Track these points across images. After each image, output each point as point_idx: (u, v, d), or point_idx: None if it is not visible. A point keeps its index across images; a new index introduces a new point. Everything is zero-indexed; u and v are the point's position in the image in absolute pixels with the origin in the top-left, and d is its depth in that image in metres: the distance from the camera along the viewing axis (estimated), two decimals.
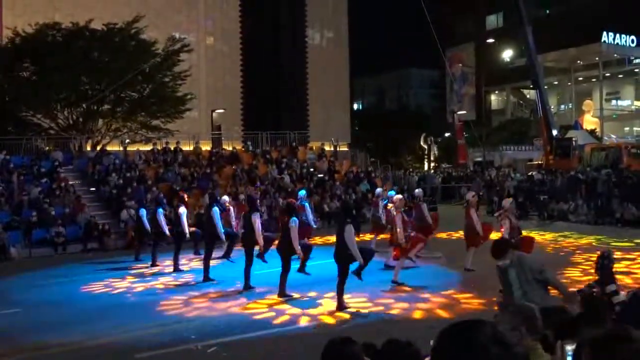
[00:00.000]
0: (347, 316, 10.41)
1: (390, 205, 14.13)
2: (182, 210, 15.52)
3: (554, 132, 35.82)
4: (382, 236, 15.97)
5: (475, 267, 13.33)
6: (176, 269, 15.37)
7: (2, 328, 10.47)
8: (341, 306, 10.75)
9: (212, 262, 14.40)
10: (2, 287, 14.53)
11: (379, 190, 18.50)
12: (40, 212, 20.91)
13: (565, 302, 5.84)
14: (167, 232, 16.19)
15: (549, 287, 6.46)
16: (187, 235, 15.69)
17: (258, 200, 16.13)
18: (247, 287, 12.57)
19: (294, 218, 11.75)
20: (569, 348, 2.83)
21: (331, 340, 3.02)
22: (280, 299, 11.68)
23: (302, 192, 16.78)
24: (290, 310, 11.01)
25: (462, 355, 1.56)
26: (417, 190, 17.07)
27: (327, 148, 32.55)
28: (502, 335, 1.57)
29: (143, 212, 17.48)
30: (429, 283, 12.81)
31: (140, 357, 8.61)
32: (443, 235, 19.45)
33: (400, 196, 13.61)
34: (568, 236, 20.12)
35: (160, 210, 16.68)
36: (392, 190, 18.89)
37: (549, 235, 20.34)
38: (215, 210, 14.45)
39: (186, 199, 16.76)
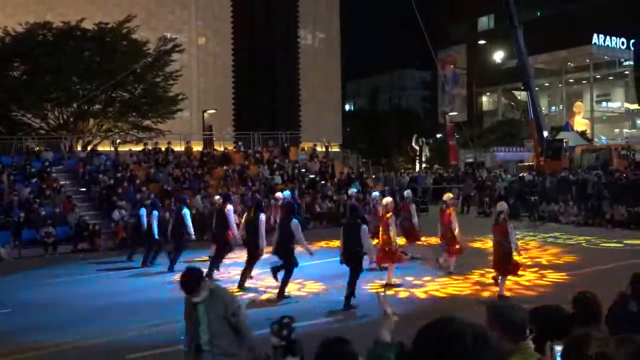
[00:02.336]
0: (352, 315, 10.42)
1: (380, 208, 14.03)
2: (186, 211, 15.75)
3: (545, 134, 36.01)
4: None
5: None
6: (171, 269, 15.35)
7: None
8: (349, 306, 10.83)
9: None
10: None
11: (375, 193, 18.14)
12: (30, 212, 20.81)
13: None
14: (160, 234, 16.37)
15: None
16: (193, 237, 16.02)
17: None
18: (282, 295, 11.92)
19: (295, 219, 11.86)
20: (558, 349, 2.84)
21: (324, 341, 3.02)
22: (279, 300, 11.67)
23: (287, 193, 16.62)
24: (284, 310, 10.99)
25: (440, 352, 1.56)
26: (406, 192, 17.42)
27: (318, 149, 32.56)
28: (479, 329, 1.57)
29: (143, 211, 17.38)
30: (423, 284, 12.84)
31: (131, 358, 8.59)
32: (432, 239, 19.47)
33: (390, 199, 13.58)
34: (558, 237, 20.21)
35: (156, 212, 16.81)
36: (375, 191, 18.84)
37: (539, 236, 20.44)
38: (186, 212, 15.37)
39: (188, 200, 16.90)
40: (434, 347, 1.57)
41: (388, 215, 12.62)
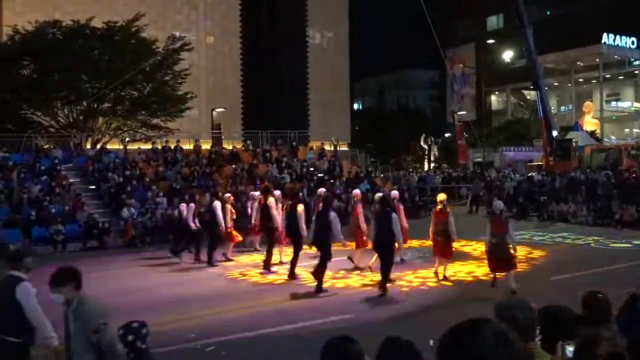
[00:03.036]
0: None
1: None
2: (217, 203, 16.15)
3: (554, 133, 35.84)
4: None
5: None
6: (212, 264, 15.74)
7: None
8: (384, 290, 11.59)
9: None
10: None
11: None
12: (40, 210, 20.91)
13: None
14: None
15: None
16: (223, 228, 16.16)
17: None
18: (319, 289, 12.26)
19: (332, 212, 12.58)
20: (570, 349, 2.83)
21: (330, 339, 3.01)
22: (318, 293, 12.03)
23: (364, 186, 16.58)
24: (292, 308, 11.02)
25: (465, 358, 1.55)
26: (393, 192, 16.39)
27: (327, 148, 32.55)
28: (504, 333, 1.57)
29: (183, 207, 17.41)
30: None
31: None
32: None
33: (357, 191, 15.02)
34: (566, 237, 20.13)
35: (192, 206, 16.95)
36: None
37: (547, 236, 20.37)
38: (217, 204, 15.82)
39: (220, 195, 17.32)
40: (458, 354, 1.57)
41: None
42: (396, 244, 12.02)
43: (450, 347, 1.57)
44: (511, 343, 1.56)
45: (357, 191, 16.35)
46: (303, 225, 13.46)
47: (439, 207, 13.15)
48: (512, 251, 11.84)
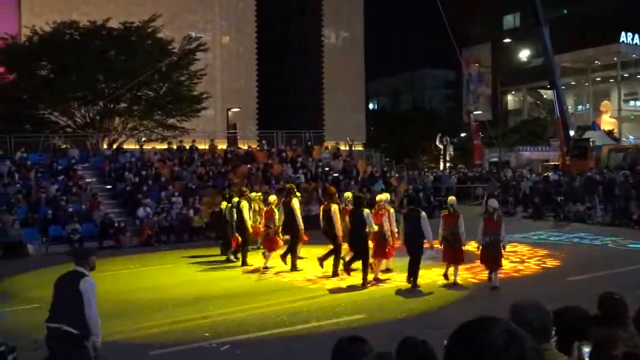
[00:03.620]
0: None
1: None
2: (245, 204, 16.15)
3: (571, 133, 35.57)
4: None
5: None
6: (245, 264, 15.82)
7: (22, 323, 10.57)
8: (415, 285, 12.28)
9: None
10: (21, 284, 14.69)
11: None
12: (56, 209, 21.09)
13: None
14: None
15: None
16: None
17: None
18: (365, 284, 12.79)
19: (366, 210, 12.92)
20: (586, 350, 2.80)
21: (341, 339, 3.01)
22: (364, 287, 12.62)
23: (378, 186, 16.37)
24: (305, 308, 11.03)
25: (476, 358, 1.53)
26: (380, 196, 15.33)
27: (342, 147, 32.53)
28: (515, 332, 1.54)
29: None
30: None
31: (154, 355, 8.65)
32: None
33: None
34: (583, 237, 19.96)
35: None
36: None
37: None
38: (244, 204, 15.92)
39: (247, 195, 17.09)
40: (468, 353, 1.54)
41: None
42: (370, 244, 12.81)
43: (458, 346, 1.55)
44: (521, 342, 1.53)
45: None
46: (339, 226, 13.51)
47: (448, 209, 12.91)
48: (502, 250, 12.29)
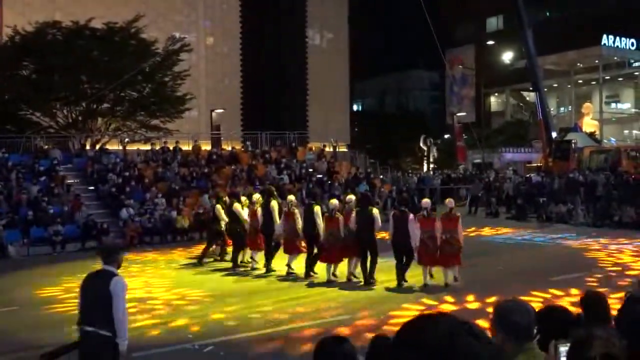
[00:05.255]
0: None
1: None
2: (237, 206, 15.85)
3: (554, 135, 35.88)
4: None
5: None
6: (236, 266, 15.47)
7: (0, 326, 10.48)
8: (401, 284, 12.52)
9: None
10: (0, 286, 14.53)
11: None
12: (38, 211, 20.91)
13: None
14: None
15: None
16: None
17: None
18: (369, 281, 12.93)
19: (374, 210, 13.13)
20: (562, 349, 2.83)
21: (323, 339, 3.02)
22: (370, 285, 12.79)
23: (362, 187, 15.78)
24: (290, 309, 11.02)
25: (427, 347, 1.48)
26: (348, 197, 14.63)
27: (326, 149, 32.55)
28: (469, 326, 1.51)
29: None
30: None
31: (138, 356, 8.60)
32: None
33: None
34: (566, 238, 20.13)
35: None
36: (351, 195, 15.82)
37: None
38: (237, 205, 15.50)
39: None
40: (418, 343, 1.51)
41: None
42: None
43: (401, 344, 1.52)
44: (480, 335, 1.51)
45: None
46: (322, 225, 13.50)
47: (422, 213, 12.71)
48: (460, 246, 12.57)
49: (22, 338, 9.64)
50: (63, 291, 13.37)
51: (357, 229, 12.88)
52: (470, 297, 11.56)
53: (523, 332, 2.94)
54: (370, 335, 5.26)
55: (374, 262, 12.87)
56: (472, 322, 1.54)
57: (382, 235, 13.69)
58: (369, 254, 12.86)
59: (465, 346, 1.46)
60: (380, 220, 12.98)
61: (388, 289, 12.54)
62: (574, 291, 11.23)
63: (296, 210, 14.10)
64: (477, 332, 1.51)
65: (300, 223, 13.82)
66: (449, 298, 11.64)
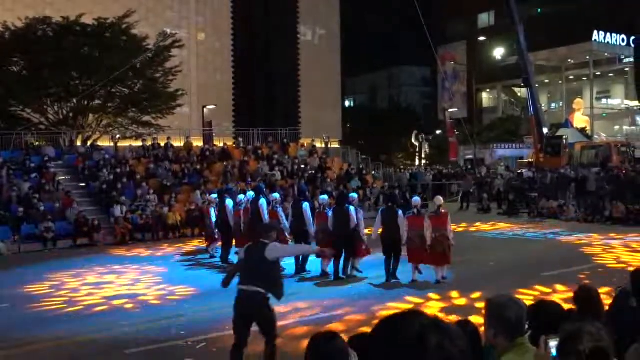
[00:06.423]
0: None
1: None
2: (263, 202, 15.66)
3: (545, 130, 35.94)
4: None
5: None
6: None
7: None
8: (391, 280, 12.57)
9: None
10: None
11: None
12: (29, 208, 20.81)
13: None
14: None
15: None
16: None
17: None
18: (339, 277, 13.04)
19: (351, 205, 13.23)
20: (552, 344, 2.85)
21: (315, 335, 3.03)
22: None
23: (276, 195, 15.35)
24: (279, 306, 11.00)
25: (400, 345, 1.49)
26: (321, 197, 14.63)
27: (318, 145, 32.54)
28: (437, 325, 1.50)
29: (264, 202, 15.53)
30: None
31: (130, 353, 8.59)
32: None
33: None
34: (557, 234, 20.21)
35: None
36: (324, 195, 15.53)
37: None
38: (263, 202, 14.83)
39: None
40: (391, 340, 1.51)
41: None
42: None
43: (377, 340, 1.53)
44: (442, 336, 1.50)
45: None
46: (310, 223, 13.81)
47: (412, 211, 12.69)
48: (450, 245, 12.48)
49: (13, 335, 9.60)
50: (54, 288, 13.34)
51: (333, 227, 13.10)
52: (455, 294, 11.58)
53: (514, 327, 2.96)
54: (362, 331, 5.27)
55: (347, 259, 13.09)
56: (441, 319, 1.55)
57: (367, 232, 13.79)
58: (343, 252, 12.94)
59: (435, 346, 1.47)
60: (356, 219, 12.99)
61: (373, 285, 12.55)
62: (565, 287, 11.28)
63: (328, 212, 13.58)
64: (447, 330, 1.51)
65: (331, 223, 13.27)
66: (434, 295, 11.67)
